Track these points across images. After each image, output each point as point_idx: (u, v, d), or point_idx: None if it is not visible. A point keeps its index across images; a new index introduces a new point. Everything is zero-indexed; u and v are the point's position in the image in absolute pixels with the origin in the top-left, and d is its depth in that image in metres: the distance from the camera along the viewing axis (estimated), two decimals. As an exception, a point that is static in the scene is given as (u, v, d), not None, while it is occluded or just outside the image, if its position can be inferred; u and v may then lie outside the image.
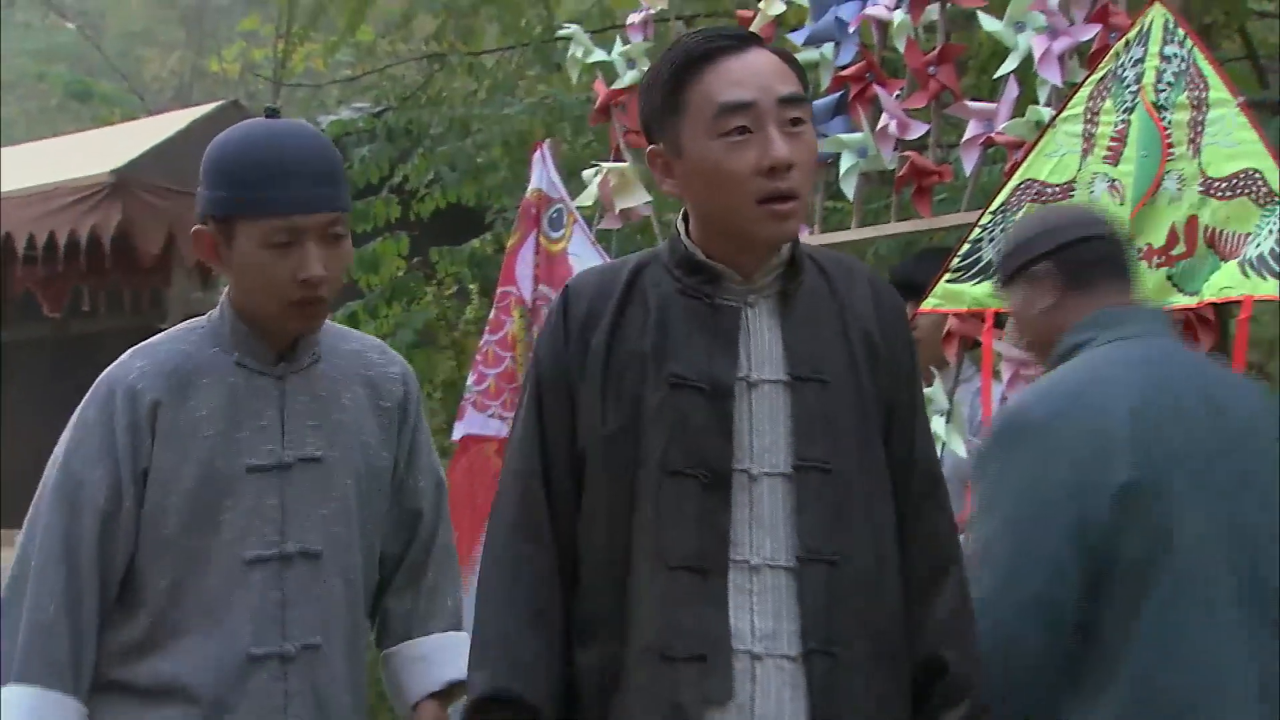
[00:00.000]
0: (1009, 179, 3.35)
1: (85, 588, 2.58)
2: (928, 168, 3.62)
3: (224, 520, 2.61)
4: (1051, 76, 3.41)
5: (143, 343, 2.72)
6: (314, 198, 2.63)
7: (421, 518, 2.85)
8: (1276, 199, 2.96)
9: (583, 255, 4.42)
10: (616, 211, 4.45)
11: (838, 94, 3.78)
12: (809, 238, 3.88)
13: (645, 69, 4.34)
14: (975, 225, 3.37)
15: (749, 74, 2.35)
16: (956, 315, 3.49)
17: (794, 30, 3.90)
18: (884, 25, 3.73)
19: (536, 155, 4.88)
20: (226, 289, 2.73)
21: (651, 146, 2.44)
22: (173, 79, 20.03)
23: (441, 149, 7.23)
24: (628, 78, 4.46)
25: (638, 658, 2.31)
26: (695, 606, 2.31)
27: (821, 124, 3.76)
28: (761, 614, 2.32)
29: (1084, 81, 3.30)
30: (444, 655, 2.80)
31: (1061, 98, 3.38)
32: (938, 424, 3.57)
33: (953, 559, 2.48)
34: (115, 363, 2.69)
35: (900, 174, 3.66)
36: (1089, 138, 3.24)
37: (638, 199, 4.43)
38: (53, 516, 2.59)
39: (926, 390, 3.57)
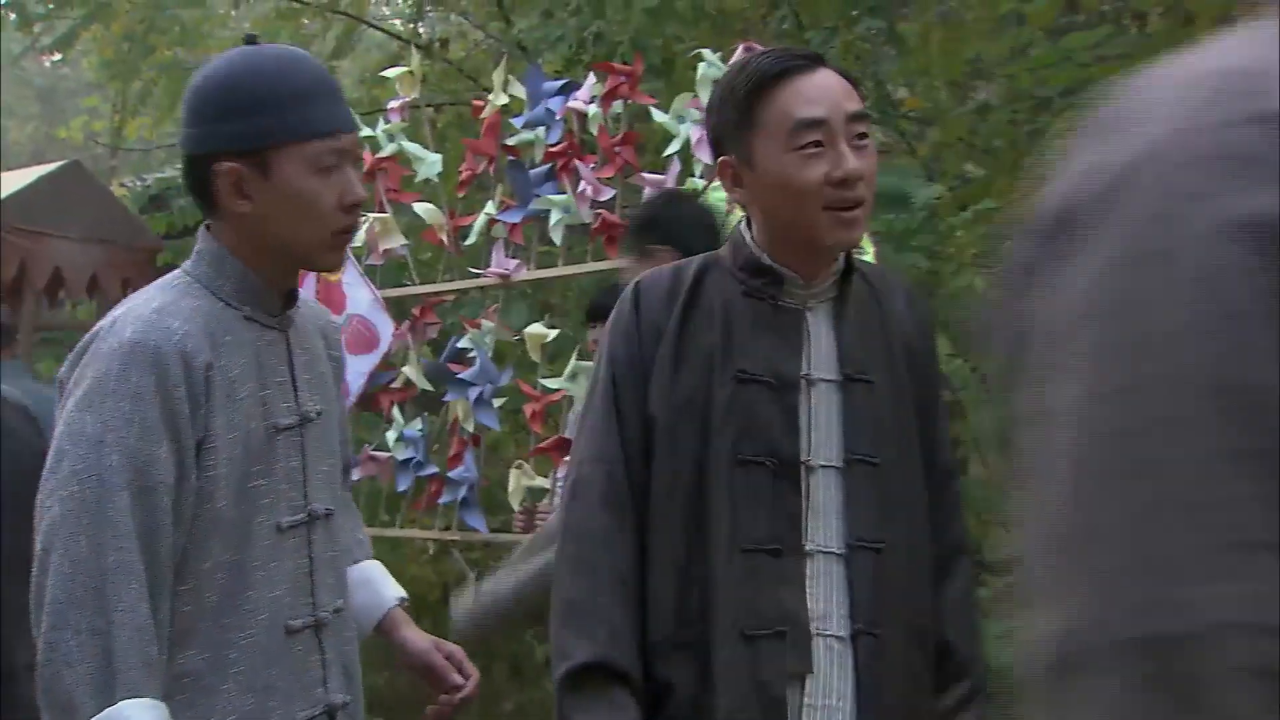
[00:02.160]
0: (673, 231, 3.40)
1: (163, 579, 1.77)
2: (615, 222, 3.65)
3: (260, 487, 1.87)
4: (704, 157, 3.47)
5: (147, 302, 1.86)
6: (349, 117, 1.95)
7: (348, 470, 2.21)
8: (861, 250, 3.08)
9: (353, 284, 4.33)
10: (380, 251, 4.39)
11: (548, 165, 3.79)
12: (527, 274, 3.89)
13: (401, 142, 4.30)
14: (648, 265, 3.40)
15: (821, 92, 1.99)
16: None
17: (515, 116, 3.89)
18: (582, 115, 3.77)
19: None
20: (205, 240, 1.94)
21: (722, 158, 2.05)
22: (29, 144, 19.17)
23: (245, 201, 7.05)
24: (388, 148, 4.39)
25: (721, 637, 1.91)
26: (771, 586, 1.92)
27: (537, 188, 3.77)
28: (814, 597, 1.95)
29: (727, 161, 3.37)
30: (383, 578, 2.21)
31: (711, 173, 3.44)
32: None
33: (962, 548, 2.15)
34: (135, 322, 1.81)
35: (595, 227, 3.69)
36: (731, 203, 3.31)
37: (395, 241, 4.37)
38: (121, 502, 1.73)
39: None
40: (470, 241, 4.03)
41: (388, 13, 9.13)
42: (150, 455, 1.76)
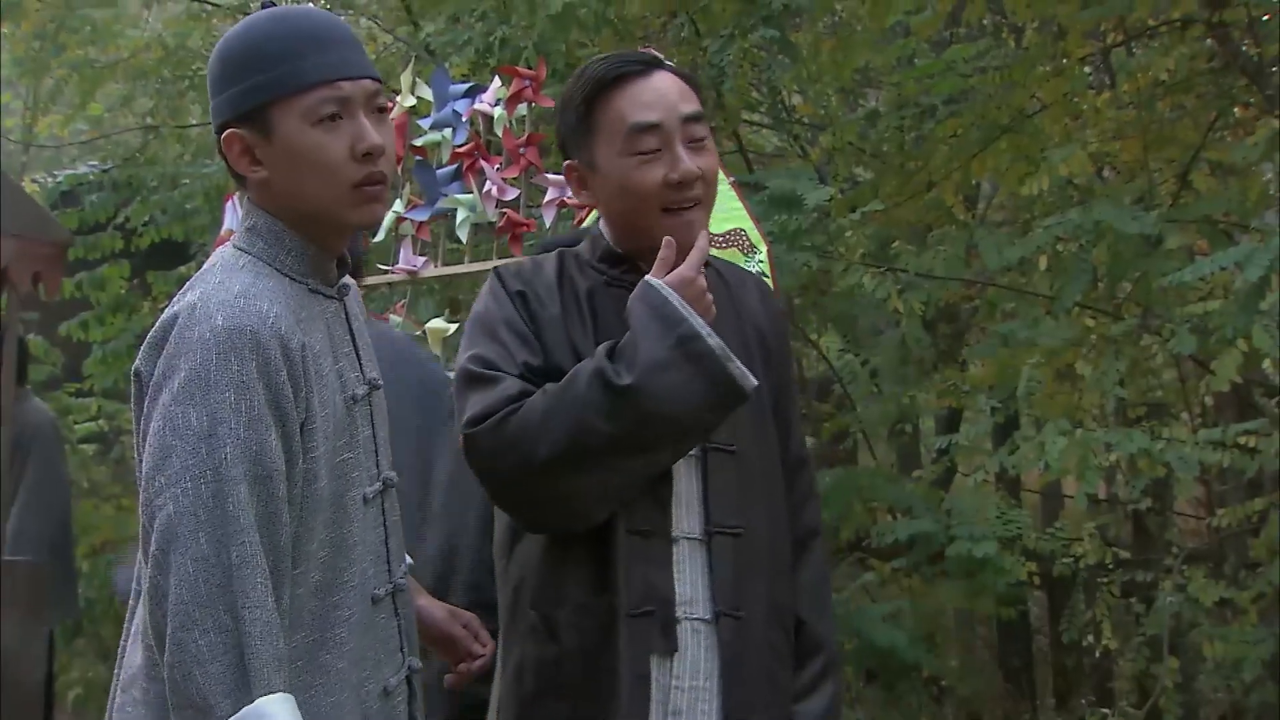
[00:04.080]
0: (577, 229, 3.38)
1: (284, 568, 1.66)
2: (519, 220, 3.63)
3: (348, 460, 1.76)
4: (606, 159, 3.47)
5: (223, 285, 1.69)
6: (356, 63, 1.76)
7: None
8: (755, 249, 3.09)
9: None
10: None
11: (455, 166, 3.76)
12: (434, 270, 3.85)
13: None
14: (552, 262, 3.39)
15: (655, 96, 1.95)
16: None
17: (423, 118, 3.85)
18: (488, 117, 3.74)
19: (228, 204, 4.70)
20: (253, 215, 1.79)
21: (567, 162, 2.02)
22: (-62, 138, 18.60)
23: (155, 198, 6.93)
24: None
25: (622, 615, 1.90)
26: (641, 567, 1.91)
27: (444, 187, 3.74)
28: (681, 581, 1.92)
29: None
30: None
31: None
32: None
33: (816, 531, 2.12)
34: (222, 308, 1.66)
35: (500, 225, 3.66)
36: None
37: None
38: (239, 495, 1.60)
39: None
40: (379, 239, 3.99)
41: (298, 15, 9.00)
42: (262, 443, 1.63)
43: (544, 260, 2.06)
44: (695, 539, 1.95)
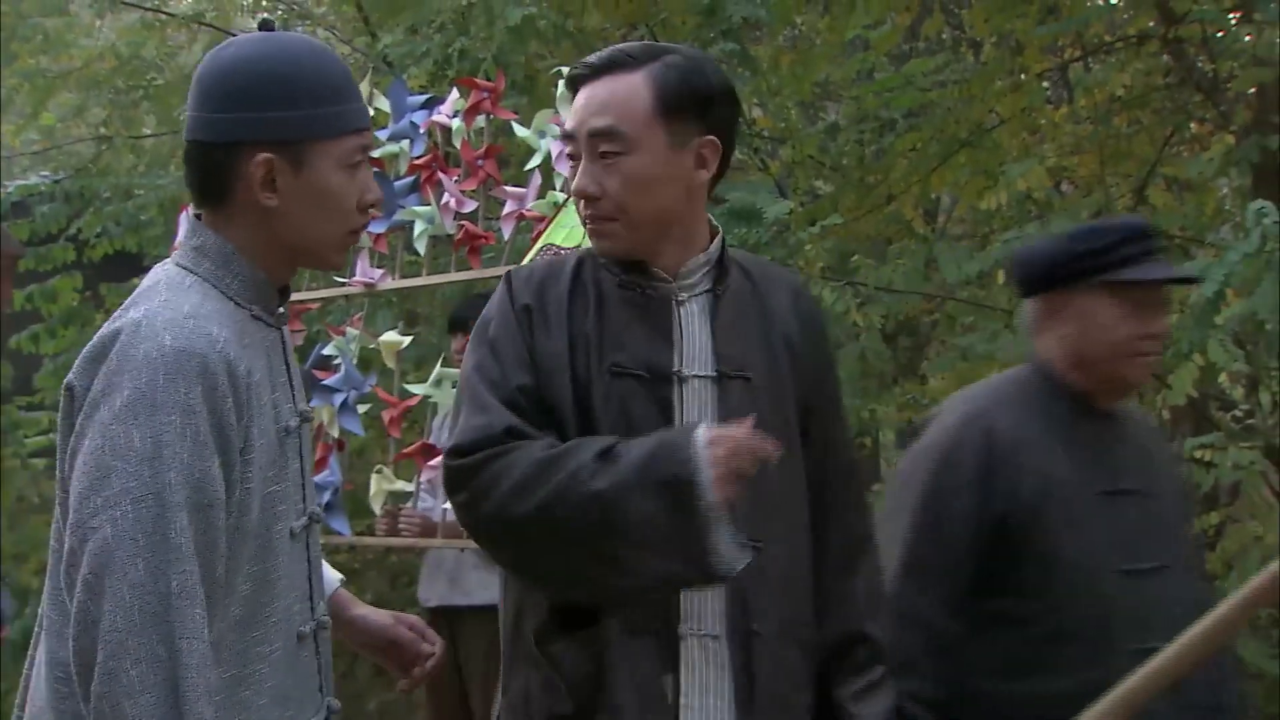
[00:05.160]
0: (535, 243, 3.37)
1: (217, 600, 1.59)
2: (477, 233, 3.62)
3: (276, 493, 1.69)
4: (563, 170, 3.45)
5: (170, 304, 1.63)
6: (369, 113, 1.82)
7: None
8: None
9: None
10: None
11: (412, 178, 3.74)
12: (392, 283, 3.83)
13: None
14: (510, 275, 3.37)
15: (581, 104, 1.94)
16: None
17: (380, 129, 3.83)
18: (446, 129, 3.73)
19: (183, 215, 4.66)
20: (203, 234, 1.73)
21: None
22: (-113, 147, 18.36)
23: (108, 209, 6.87)
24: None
25: (617, 635, 1.85)
26: None
27: (401, 199, 3.72)
28: (690, 596, 1.87)
29: (587, 175, 3.35)
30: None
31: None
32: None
33: (868, 537, 2.07)
34: (170, 327, 1.59)
35: (458, 237, 3.65)
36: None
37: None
38: (180, 522, 1.53)
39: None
40: (335, 251, 3.97)
41: (254, 26, 8.97)
42: (205, 471, 1.56)
43: (561, 264, 2.00)
44: None
